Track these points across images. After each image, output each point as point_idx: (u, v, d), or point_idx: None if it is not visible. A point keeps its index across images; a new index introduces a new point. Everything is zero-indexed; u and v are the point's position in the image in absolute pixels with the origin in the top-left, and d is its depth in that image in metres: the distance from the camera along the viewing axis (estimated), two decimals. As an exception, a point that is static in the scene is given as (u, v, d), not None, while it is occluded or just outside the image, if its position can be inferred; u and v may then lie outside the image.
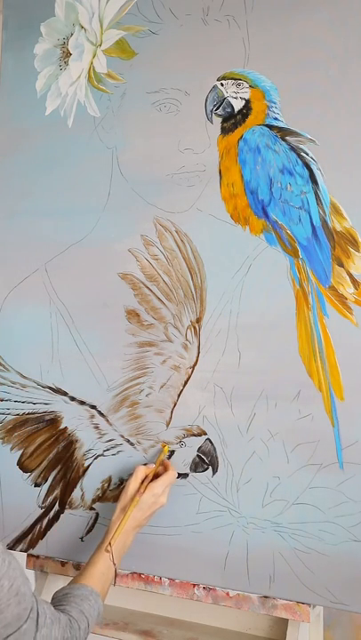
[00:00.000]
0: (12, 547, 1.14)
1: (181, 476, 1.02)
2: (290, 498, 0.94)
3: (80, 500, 1.10)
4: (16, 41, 1.25)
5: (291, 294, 0.97)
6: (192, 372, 1.03)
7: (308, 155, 0.98)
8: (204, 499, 1.00)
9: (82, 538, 1.09)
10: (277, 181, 0.99)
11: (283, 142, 1.00)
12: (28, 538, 1.13)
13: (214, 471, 1.00)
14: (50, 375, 1.14)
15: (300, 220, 0.98)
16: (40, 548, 1.12)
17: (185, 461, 1.02)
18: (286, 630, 0.96)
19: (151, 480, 0.97)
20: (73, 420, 1.12)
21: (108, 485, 1.08)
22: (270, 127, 1.01)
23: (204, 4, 1.07)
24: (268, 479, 0.96)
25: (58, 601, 0.86)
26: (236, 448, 0.99)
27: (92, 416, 1.10)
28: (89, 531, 1.09)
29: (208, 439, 1.01)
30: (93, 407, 1.11)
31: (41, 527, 1.12)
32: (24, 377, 1.16)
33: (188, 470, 1.02)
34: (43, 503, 1.13)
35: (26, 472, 1.15)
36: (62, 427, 1.13)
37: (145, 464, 1.01)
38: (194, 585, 1.02)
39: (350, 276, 0.94)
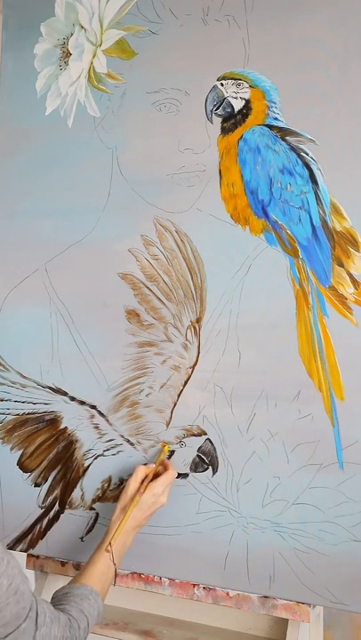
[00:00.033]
0: (12, 547, 1.14)
1: (181, 475, 1.02)
2: (290, 498, 0.94)
3: (80, 500, 1.10)
4: (16, 41, 1.25)
5: (291, 294, 0.97)
6: (192, 372, 1.03)
7: (308, 155, 0.98)
8: (204, 499, 1.00)
9: (82, 538, 1.09)
10: (277, 181, 0.99)
11: (283, 142, 1.00)
12: (28, 538, 1.13)
13: (214, 471, 1.00)
14: (50, 375, 1.14)
15: (300, 219, 0.98)
16: (40, 548, 1.12)
17: (185, 461, 1.02)
18: (286, 630, 0.96)
19: (151, 480, 0.97)
20: (73, 420, 1.12)
21: (108, 485, 1.08)
22: (270, 127, 1.01)
23: (204, 3, 1.07)
24: (268, 479, 0.96)
25: (58, 600, 0.86)
26: (236, 448, 0.99)
27: (92, 416, 1.10)
28: (89, 531, 1.09)
29: (208, 439, 1.01)
30: (93, 407, 1.11)
31: (41, 527, 1.12)
32: (24, 377, 1.16)
33: (188, 470, 1.02)
34: (43, 503, 1.13)
35: (26, 472, 1.15)
36: (62, 427, 1.13)
37: (145, 464, 1.01)
38: (194, 585, 1.02)
39: (350, 276, 0.94)
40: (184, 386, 1.04)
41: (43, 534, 1.12)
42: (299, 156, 0.98)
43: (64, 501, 1.11)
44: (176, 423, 1.04)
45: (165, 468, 1.00)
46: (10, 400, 1.17)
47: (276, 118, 1.01)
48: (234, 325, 1.01)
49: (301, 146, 0.98)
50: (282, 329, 0.97)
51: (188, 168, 1.06)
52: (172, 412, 1.04)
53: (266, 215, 1.00)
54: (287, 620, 0.96)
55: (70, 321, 1.14)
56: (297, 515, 0.94)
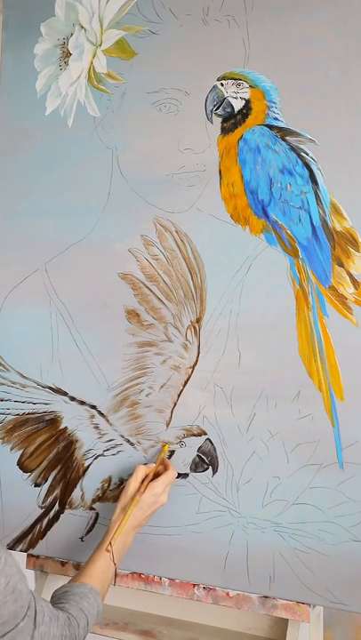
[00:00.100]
0: (12, 547, 1.14)
1: (181, 475, 1.02)
2: (290, 498, 0.94)
3: (80, 500, 1.10)
4: (16, 41, 1.25)
5: (291, 294, 0.97)
6: (192, 372, 1.03)
7: (308, 155, 0.98)
8: (204, 499, 1.00)
9: (82, 538, 1.09)
10: (277, 181, 0.99)
11: (283, 142, 1.00)
12: (28, 538, 1.13)
13: (214, 471, 1.00)
14: (50, 375, 1.14)
15: (300, 219, 0.98)
16: (40, 548, 1.12)
17: (185, 461, 1.02)
18: (286, 630, 0.96)
19: (151, 480, 0.97)
20: (73, 419, 1.12)
21: (108, 485, 1.08)
22: (270, 127, 1.01)
23: (204, 3, 1.07)
24: (268, 479, 0.96)
25: (57, 599, 0.86)
26: (236, 448, 0.99)
27: (92, 416, 1.10)
28: (89, 531, 1.09)
29: (208, 439, 1.01)
30: (93, 407, 1.11)
31: (41, 527, 1.12)
32: (24, 377, 1.16)
33: (188, 470, 1.02)
34: (43, 503, 1.13)
35: (26, 472, 1.15)
36: (62, 427, 1.13)
37: (145, 464, 1.01)
38: (194, 585, 1.02)
39: (350, 276, 0.94)
40: (184, 386, 1.04)
41: (43, 534, 1.12)
42: (299, 156, 0.98)
43: (64, 501, 1.11)
44: (176, 423, 1.04)
45: (166, 468, 1.00)
46: (10, 400, 1.17)
47: (276, 118, 1.01)
48: (234, 325, 1.01)
49: (301, 146, 0.98)
50: (282, 329, 0.97)
51: (188, 168, 1.06)
52: (172, 411, 1.04)
53: (266, 215, 1.00)
54: (287, 620, 0.96)
55: (70, 321, 1.14)
56: (297, 515, 0.94)
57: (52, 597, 0.87)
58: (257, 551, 0.96)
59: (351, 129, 0.95)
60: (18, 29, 1.25)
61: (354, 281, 0.94)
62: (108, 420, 1.09)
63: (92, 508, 1.09)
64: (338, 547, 0.91)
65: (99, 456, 1.09)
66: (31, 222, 1.19)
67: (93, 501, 1.09)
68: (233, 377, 1.00)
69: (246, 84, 1.03)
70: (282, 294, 0.98)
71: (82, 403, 1.12)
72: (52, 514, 1.12)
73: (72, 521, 1.10)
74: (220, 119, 1.05)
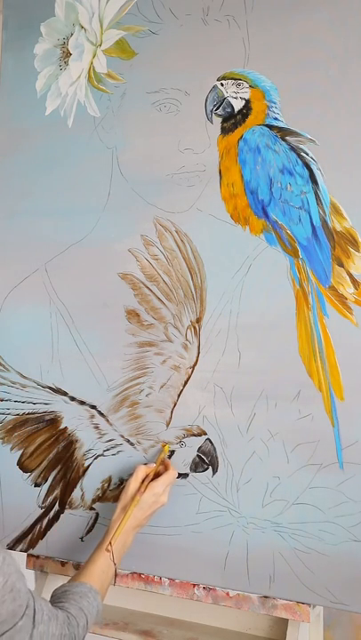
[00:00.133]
0: (12, 547, 1.14)
1: (181, 475, 1.02)
2: (290, 498, 0.94)
3: (80, 500, 1.10)
4: (16, 41, 1.25)
5: (291, 294, 0.97)
6: (192, 372, 1.03)
7: (308, 155, 0.98)
8: (204, 499, 1.00)
9: (82, 538, 1.09)
10: (277, 181, 0.99)
11: (283, 142, 1.00)
12: (28, 538, 1.13)
13: (214, 471, 1.00)
14: (50, 375, 1.14)
15: (300, 219, 0.98)
16: (40, 548, 1.12)
17: (185, 461, 1.02)
18: (286, 630, 0.96)
19: (152, 479, 0.97)
20: (73, 419, 1.12)
21: (108, 485, 1.08)
22: (270, 127, 1.01)
23: (204, 3, 1.07)
24: (268, 479, 0.96)
25: (57, 598, 0.86)
26: (236, 448, 0.99)
27: (92, 416, 1.10)
28: (89, 531, 1.09)
29: (208, 439, 1.01)
30: (93, 407, 1.11)
31: (41, 527, 1.12)
32: (24, 377, 1.16)
33: (188, 470, 1.02)
34: (43, 503, 1.13)
35: (26, 472, 1.15)
36: (62, 427, 1.13)
37: (145, 464, 1.01)
38: (194, 585, 1.02)
39: (350, 275, 0.94)
40: (184, 386, 1.04)
41: (43, 534, 1.12)
42: (299, 155, 0.98)
43: (64, 501, 1.11)
44: (176, 423, 1.04)
45: (166, 468, 1.00)
46: (10, 400, 1.17)
47: (276, 118, 1.01)
48: (234, 325, 1.01)
49: (301, 146, 0.98)
50: (282, 329, 0.97)
51: (188, 168, 1.06)
52: (172, 411, 1.04)
53: (266, 215, 1.00)
54: (287, 620, 0.96)
55: (70, 321, 1.14)
56: (297, 515, 0.94)
57: (51, 597, 0.87)
58: (257, 551, 0.96)
59: (351, 129, 0.95)
60: (18, 29, 1.25)
61: (354, 281, 0.94)
62: (108, 420, 1.09)
63: (92, 508, 1.09)
64: (338, 547, 0.91)
65: (99, 456, 1.09)
66: (31, 222, 1.19)
67: (93, 501, 1.09)
68: (233, 377, 1.00)
69: (246, 84, 1.03)
70: (282, 294, 0.98)
71: (82, 403, 1.12)
72: (52, 514, 1.12)
73: (72, 521, 1.10)
74: (220, 119, 1.05)
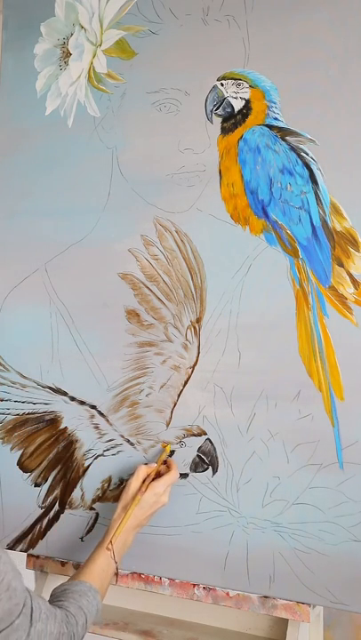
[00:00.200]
0: (12, 547, 1.14)
1: (182, 475, 1.02)
2: (290, 498, 0.94)
3: (80, 500, 1.10)
4: (16, 41, 1.25)
5: (291, 294, 0.97)
6: (192, 372, 1.03)
7: (308, 155, 0.98)
8: (204, 499, 1.00)
9: (82, 538, 1.09)
10: (277, 181, 0.99)
11: (283, 142, 1.00)
12: (28, 538, 1.13)
13: (214, 471, 1.00)
14: (50, 375, 1.14)
15: (300, 219, 0.98)
16: (40, 548, 1.12)
17: (185, 461, 1.02)
18: (286, 630, 0.96)
19: (153, 479, 0.97)
20: (73, 419, 1.12)
21: (108, 485, 1.08)
22: (270, 127, 1.01)
23: (204, 3, 1.07)
24: (268, 479, 0.96)
25: (56, 597, 0.85)
26: (236, 448, 0.99)
27: (92, 416, 1.10)
28: (89, 531, 1.09)
29: (208, 439, 1.01)
30: (93, 407, 1.11)
31: (41, 527, 1.12)
32: (24, 377, 1.16)
33: (188, 470, 1.02)
34: (43, 503, 1.13)
35: (26, 472, 1.15)
36: (62, 427, 1.13)
37: (145, 464, 1.01)
38: (194, 585, 1.02)
39: (350, 275, 0.94)
40: (184, 386, 1.04)
41: (43, 534, 1.12)
42: (299, 155, 0.98)
43: (64, 501, 1.11)
44: (176, 423, 1.04)
45: (169, 468, 0.99)
46: (10, 400, 1.17)
47: (276, 118, 1.01)
48: (234, 325, 1.01)
49: (301, 146, 0.98)
50: (282, 329, 0.97)
51: (188, 168, 1.06)
52: (172, 411, 1.04)
53: (266, 215, 1.00)
54: (287, 620, 0.96)
55: (70, 321, 1.14)
56: (297, 515, 0.94)
57: (50, 595, 0.87)
58: (257, 551, 0.96)
59: (351, 129, 0.95)
60: (18, 29, 1.25)
61: (354, 281, 0.94)
62: (108, 420, 1.09)
63: (92, 508, 1.09)
64: (338, 547, 0.91)
65: (99, 456, 1.09)
66: (31, 222, 1.19)
67: (93, 501, 1.09)
68: (233, 377, 1.00)
69: (246, 84, 1.03)
70: (282, 294, 0.98)
71: (82, 403, 1.12)
72: (52, 514, 1.12)
73: (72, 521, 1.10)
74: (220, 119, 1.05)
